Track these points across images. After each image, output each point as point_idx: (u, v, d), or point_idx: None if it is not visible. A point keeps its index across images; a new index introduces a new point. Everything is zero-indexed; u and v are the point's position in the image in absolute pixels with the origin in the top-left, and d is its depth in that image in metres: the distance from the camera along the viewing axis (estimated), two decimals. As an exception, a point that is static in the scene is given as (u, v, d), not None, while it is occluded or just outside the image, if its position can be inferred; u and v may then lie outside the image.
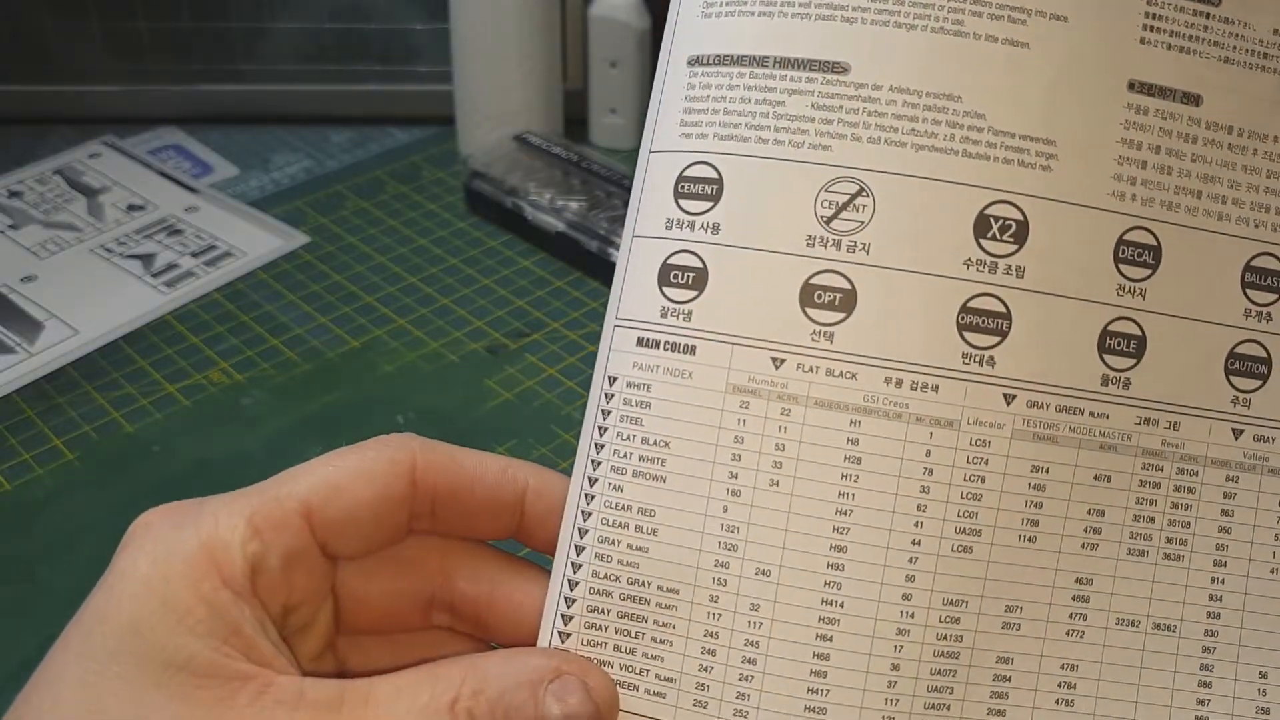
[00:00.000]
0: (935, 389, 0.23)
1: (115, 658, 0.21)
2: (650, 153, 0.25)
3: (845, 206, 0.23)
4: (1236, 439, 0.25)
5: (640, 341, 0.25)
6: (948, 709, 0.24)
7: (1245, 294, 0.25)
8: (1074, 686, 0.24)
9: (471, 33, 0.72)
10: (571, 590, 0.25)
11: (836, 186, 0.23)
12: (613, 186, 0.69)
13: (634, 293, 0.25)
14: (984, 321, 0.23)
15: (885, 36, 0.23)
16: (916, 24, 0.23)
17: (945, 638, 0.24)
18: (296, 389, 0.59)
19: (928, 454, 0.23)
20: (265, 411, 0.58)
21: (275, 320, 0.64)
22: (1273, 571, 0.25)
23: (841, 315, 0.23)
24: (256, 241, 0.70)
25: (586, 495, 0.25)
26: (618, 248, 0.64)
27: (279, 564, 0.23)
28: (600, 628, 0.25)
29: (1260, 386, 0.25)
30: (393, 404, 0.58)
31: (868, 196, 0.23)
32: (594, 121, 0.80)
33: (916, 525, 0.23)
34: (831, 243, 0.23)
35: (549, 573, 0.26)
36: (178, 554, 0.22)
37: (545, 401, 0.59)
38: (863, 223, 0.23)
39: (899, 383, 0.23)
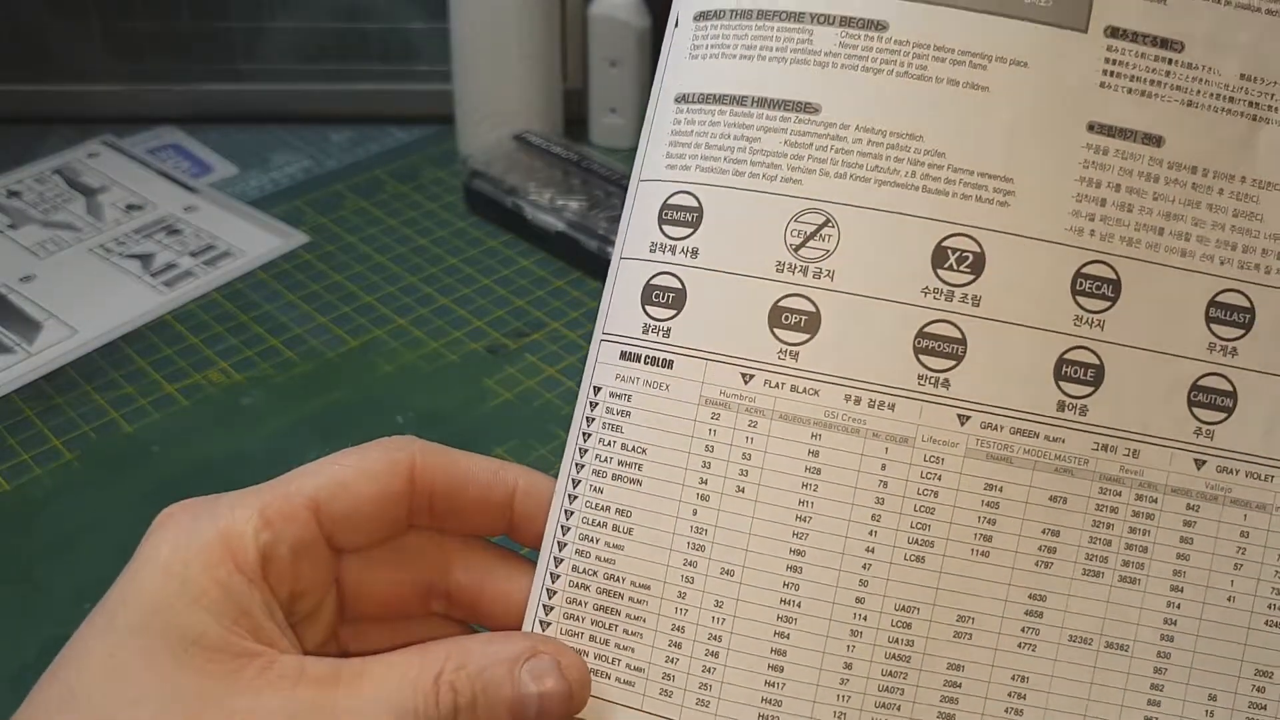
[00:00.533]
0: (892, 407, 0.25)
1: (136, 633, 0.23)
2: (640, 181, 0.28)
3: (813, 235, 0.25)
4: (1199, 469, 0.26)
5: (623, 355, 0.27)
6: (898, 709, 0.25)
7: (1209, 328, 0.25)
8: (1024, 697, 0.25)
9: (471, 32, 0.72)
10: (553, 583, 0.27)
11: (805, 217, 0.25)
12: (612, 186, 0.69)
13: (619, 309, 0.27)
14: (940, 346, 0.25)
15: (854, 80, 0.25)
16: (883, 68, 0.25)
17: (897, 641, 0.25)
18: (296, 389, 0.59)
19: (883, 467, 0.25)
20: (264, 411, 0.58)
21: (274, 320, 0.64)
22: (1229, 600, 0.26)
23: (806, 336, 0.25)
24: (256, 241, 0.70)
25: (570, 495, 0.27)
26: (618, 247, 0.65)
27: (288, 553, 0.25)
28: (578, 618, 0.26)
29: (1225, 419, 0.26)
30: (392, 404, 0.58)
31: (833, 227, 0.25)
32: (594, 121, 0.80)
33: (871, 534, 0.25)
34: (799, 269, 0.25)
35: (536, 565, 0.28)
36: (196, 541, 0.24)
37: (545, 401, 0.59)
38: (828, 251, 0.25)
39: (858, 400, 0.25)
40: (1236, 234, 0.25)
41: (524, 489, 0.28)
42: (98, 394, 0.58)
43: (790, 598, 0.25)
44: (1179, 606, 0.26)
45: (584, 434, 0.27)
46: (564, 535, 0.27)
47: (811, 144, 0.25)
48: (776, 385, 0.25)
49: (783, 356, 0.25)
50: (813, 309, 0.25)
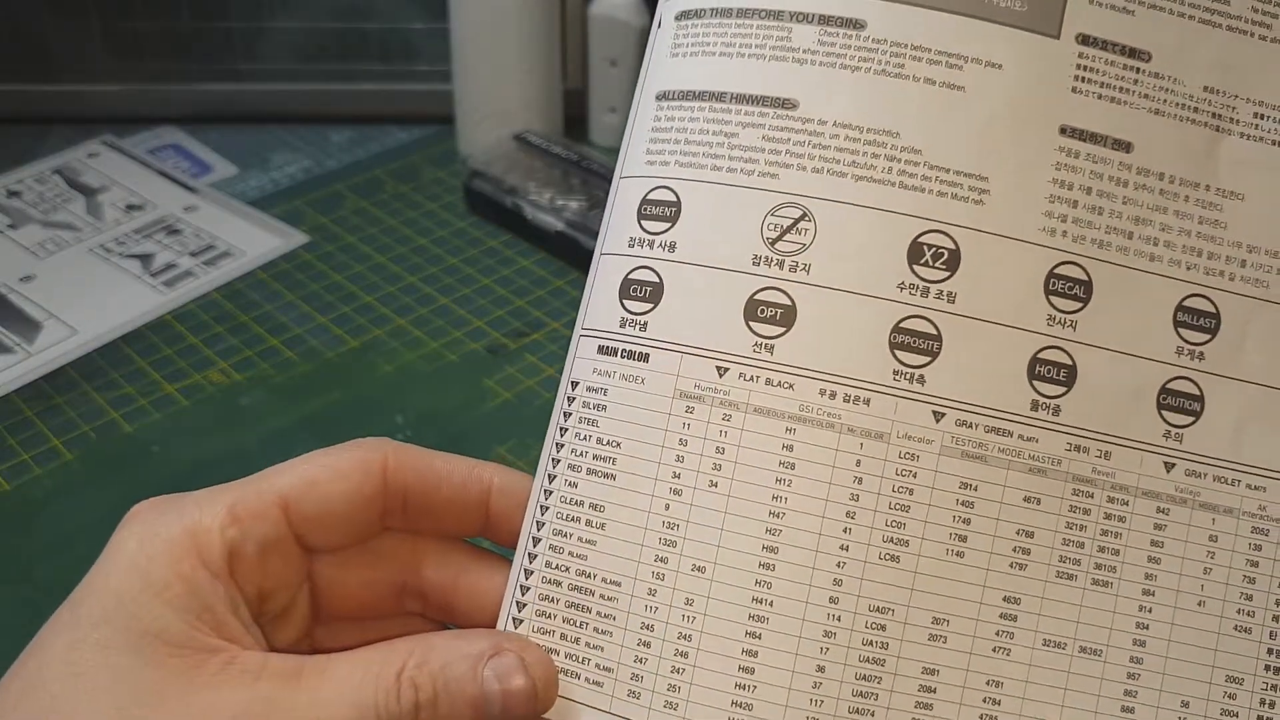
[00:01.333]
0: (867, 402, 0.25)
1: (97, 626, 0.23)
2: (620, 178, 0.28)
3: (789, 230, 0.25)
4: (1168, 472, 0.26)
5: (600, 349, 0.27)
6: (872, 715, 0.25)
7: (1177, 332, 0.26)
8: (999, 703, 0.25)
9: (471, 32, 0.72)
10: (527, 579, 0.27)
11: (782, 211, 0.25)
12: (612, 186, 0.69)
13: (598, 304, 0.27)
14: (915, 341, 0.25)
15: (832, 76, 0.25)
16: (861, 66, 0.25)
17: (871, 644, 0.25)
18: (295, 389, 0.59)
19: (858, 463, 0.25)
20: (264, 411, 0.58)
21: (274, 320, 0.64)
22: (1200, 604, 0.26)
23: (782, 329, 0.25)
24: (256, 241, 0.70)
25: (545, 490, 0.27)
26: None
27: (255, 550, 0.25)
28: (550, 615, 0.26)
29: (1193, 423, 0.26)
30: (392, 404, 0.58)
31: (810, 221, 0.25)
32: (594, 120, 0.80)
33: (845, 531, 0.25)
34: (775, 262, 0.25)
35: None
36: (162, 536, 0.24)
37: (545, 401, 0.58)
38: (804, 245, 0.25)
39: (833, 394, 0.25)
40: (1202, 240, 0.26)
41: (499, 487, 0.28)
42: (98, 394, 0.58)
43: (763, 596, 0.25)
44: (1151, 611, 0.26)
45: (560, 429, 0.27)
46: (538, 531, 0.27)
47: (789, 139, 0.26)
48: (751, 379, 0.25)
49: (758, 350, 0.25)
50: (789, 302, 0.25)
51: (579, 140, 0.78)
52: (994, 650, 0.25)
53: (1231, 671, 0.26)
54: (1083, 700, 0.25)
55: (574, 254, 0.67)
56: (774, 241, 0.25)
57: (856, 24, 0.26)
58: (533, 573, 0.26)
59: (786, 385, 0.25)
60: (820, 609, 0.25)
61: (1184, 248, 0.26)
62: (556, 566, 0.26)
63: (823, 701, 0.25)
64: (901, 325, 0.25)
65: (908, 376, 0.25)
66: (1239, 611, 0.26)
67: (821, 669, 0.25)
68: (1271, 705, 0.25)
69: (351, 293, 0.66)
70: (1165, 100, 0.26)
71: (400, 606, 0.29)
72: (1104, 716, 0.25)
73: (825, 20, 0.26)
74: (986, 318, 0.25)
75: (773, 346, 0.25)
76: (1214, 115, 0.26)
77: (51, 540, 0.50)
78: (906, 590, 0.25)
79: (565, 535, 0.26)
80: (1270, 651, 0.26)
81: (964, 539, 0.25)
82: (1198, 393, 0.26)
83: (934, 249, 0.25)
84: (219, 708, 0.23)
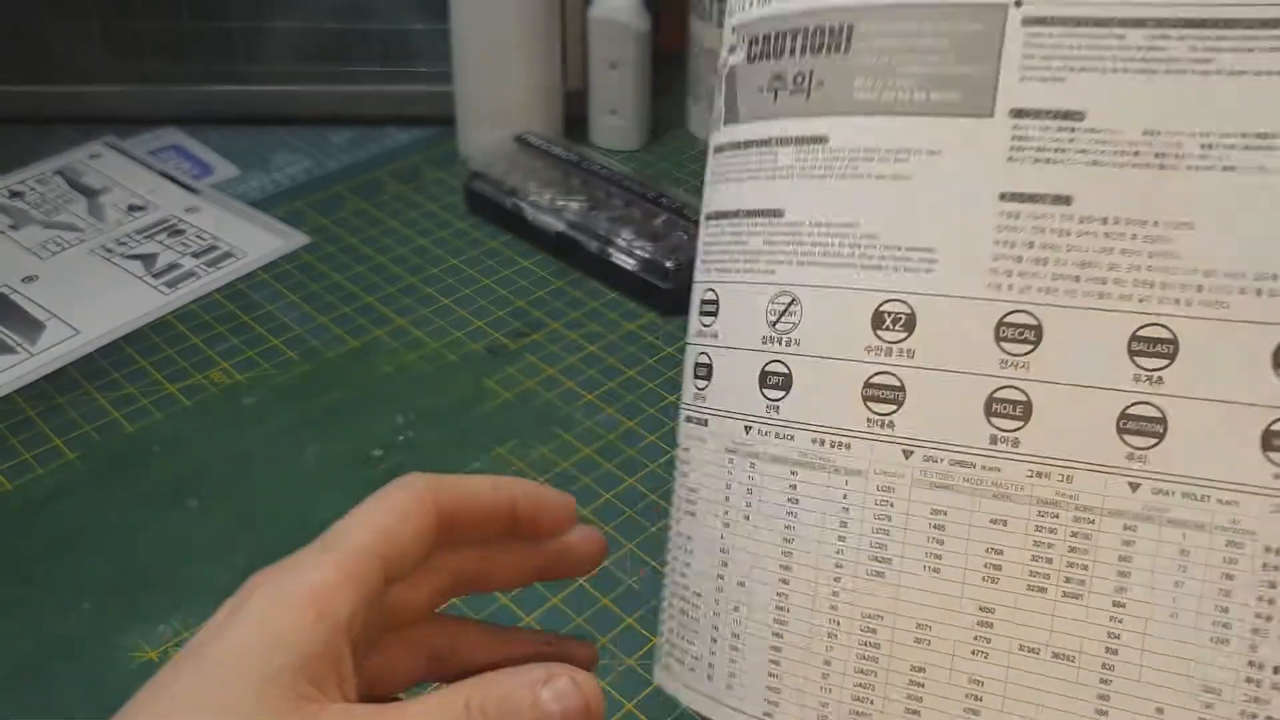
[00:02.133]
0: (848, 446, 0.30)
1: (219, 667, 0.25)
2: (693, 283, 0.34)
3: (783, 313, 0.31)
4: (1134, 492, 0.27)
5: (685, 419, 0.34)
6: (871, 703, 0.29)
7: (1134, 361, 0.27)
8: (980, 699, 0.28)
9: (471, 33, 0.73)
10: (665, 593, 0.34)
11: (778, 299, 0.31)
12: (612, 187, 0.69)
13: (685, 385, 0.34)
14: (883, 394, 0.29)
15: (806, 186, 0.31)
16: (827, 174, 0.30)
17: (866, 644, 0.29)
18: (297, 389, 0.59)
19: (844, 496, 0.30)
20: (266, 411, 0.58)
21: (275, 320, 0.64)
22: (1173, 615, 0.27)
23: (783, 393, 0.31)
24: (257, 242, 0.70)
25: (668, 528, 0.34)
26: (617, 248, 0.65)
27: (365, 607, 0.27)
28: (671, 618, 0.33)
29: (1156, 444, 0.27)
30: (393, 404, 0.58)
31: (798, 304, 0.31)
32: (594, 122, 0.80)
33: (838, 551, 0.30)
34: (775, 340, 0.31)
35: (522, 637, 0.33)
36: (288, 593, 0.27)
37: (545, 401, 0.59)
38: (795, 324, 0.31)
39: (822, 442, 0.30)
40: (1154, 272, 0.27)
41: (522, 495, 0.32)
42: (99, 394, 0.59)
43: (783, 604, 0.31)
44: (1122, 621, 0.27)
45: (676, 479, 0.34)
46: (666, 557, 0.34)
47: (779, 241, 0.31)
48: (765, 433, 0.31)
49: (769, 410, 0.31)
50: (786, 371, 0.31)
51: (579, 141, 0.78)
52: (973, 653, 0.28)
53: (1209, 682, 0.26)
54: (1058, 701, 0.27)
55: (574, 254, 0.68)
56: (774, 324, 0.31)
57: (822, 140, 0.30)
58: (665, 589, 0.34)
59: (789, 437, 0.30)
60: (824, 615, 0.30)
61: (1135, 281, 0.27)
62: (673, 584, 0.33)
63: (831, 690, 0.30)
64: (871, 381, 0.29)
65: (879, 423, 0.29)
66: (1214, 624, 0.26)
67: (828, 663, 0.30)
68: (1253, 717, 0.26)
69: (352, 293, 0.66)
70: (1103, 151, 0.27)
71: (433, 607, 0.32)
72: (1078, 717, 0.27)
73: (799, 141, 0.31)
74: (943, 367, 0.29)
75: (778, 407, 0.31)
76: (1156, 155, 0.27)
77: (53, 540, 0.50)
78: (893, 600, 0.29)
79: (675, 559, 0.33)
80: (1251, 664, 0.26)
81: (939, 556, 0.28)
82: (1159, 415, 0.27)
83: (893, 315, 0.29)
84: None
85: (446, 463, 0.55)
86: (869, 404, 0.29)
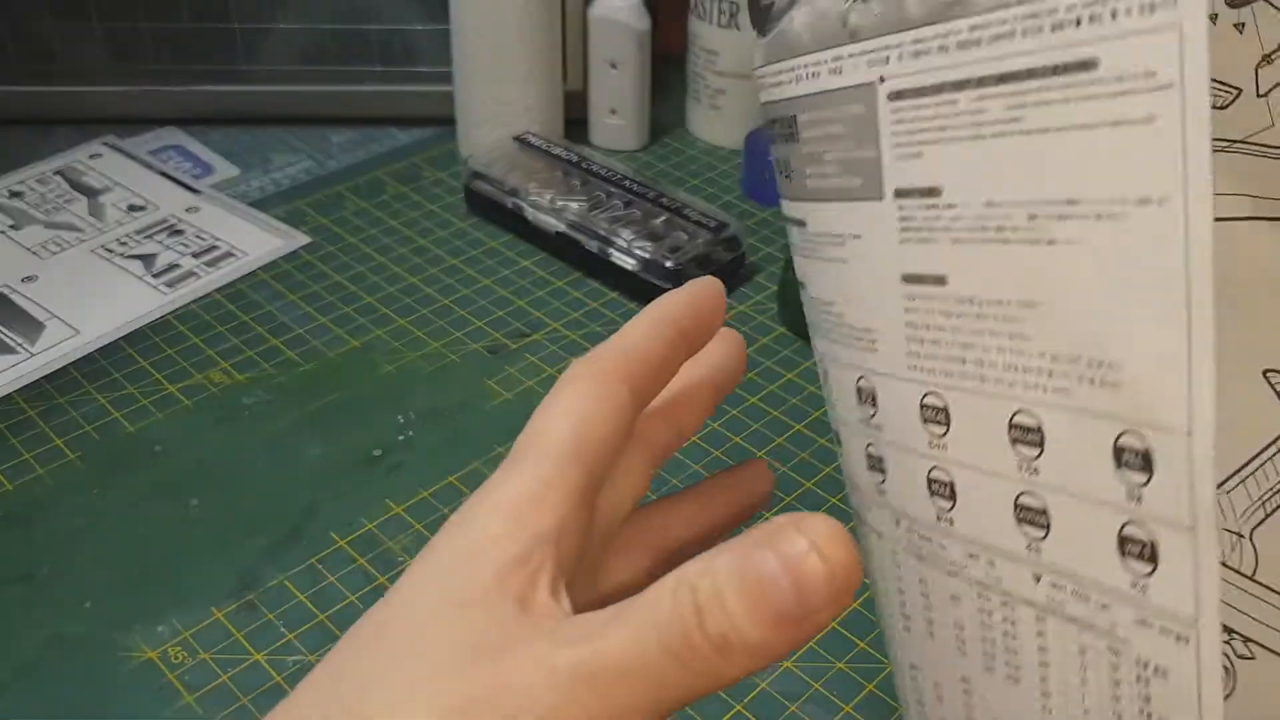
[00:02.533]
0: (863, 520, 0.32)
1: (447, 576, 0.24)
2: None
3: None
4: (1037, 584, 0.26)
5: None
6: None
7: (1014, 449, 0.26)
8: None
9: (471, 33, 0.73)
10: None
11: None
12: (613, 187, 0.69)
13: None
14: (872, 462, 0.31)
15: (803, 263, 0.32)
16: (811, 254, 0.31)
17: (914, 686, 0.32)
18: (297, 389, 0.59)
19: (869, 558, 0.32)
20: (266, 411, 0.58)
21: (276, 320, 0.64)
22: (1085, 713, 0.25)
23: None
24: (257, 242, 0.70)
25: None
26: (617, 248, 0.65)
27: (572, 511, 0.25)
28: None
29: (1044, 536, 0.25)
30: (393, 404, 0.58)
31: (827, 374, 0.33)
32: (594, 122, 0.80)
33: (891, 610, 0.32)
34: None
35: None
36: (477, 513, 0.25)
37: (545, 401, 0.59)
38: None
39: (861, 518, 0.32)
40: (1014, 356, 0.25)
41: (678, 319, 0.29)
42: (100, 394, 0.59)
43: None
44: (1051, 712, 0.26)
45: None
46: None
47: (810, 312, 0.33)
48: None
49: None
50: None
51: (579, 142, 0.78)
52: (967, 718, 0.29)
53: None
54: None
55: (574, 255, 0.68)
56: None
57: (801, 223, 0.31)
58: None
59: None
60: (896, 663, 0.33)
61: (1003, 365, 0.25)
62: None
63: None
64: (865, 452, 0.31)
65: (877, 490, 0.30)
66: None
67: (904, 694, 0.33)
68: None
69: (353, 293, 0.66)
70: (959, 227, 0.25)
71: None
72: None
73: (794, 222, 0.32)
74: (900, 444, 0.29)
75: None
76: (998, 229, 0.25)
77: (53, 540, 0.51)
78: (920, 652, 0.31)
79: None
80: None
81: (931, 622, 0.30)
82: (1042, 507, 0.25)
83: (862, 391, 0.30)
84: (553, 655, 0.22)
85: (447, 463, 0.55)
86: (870, 471, 0.31)
